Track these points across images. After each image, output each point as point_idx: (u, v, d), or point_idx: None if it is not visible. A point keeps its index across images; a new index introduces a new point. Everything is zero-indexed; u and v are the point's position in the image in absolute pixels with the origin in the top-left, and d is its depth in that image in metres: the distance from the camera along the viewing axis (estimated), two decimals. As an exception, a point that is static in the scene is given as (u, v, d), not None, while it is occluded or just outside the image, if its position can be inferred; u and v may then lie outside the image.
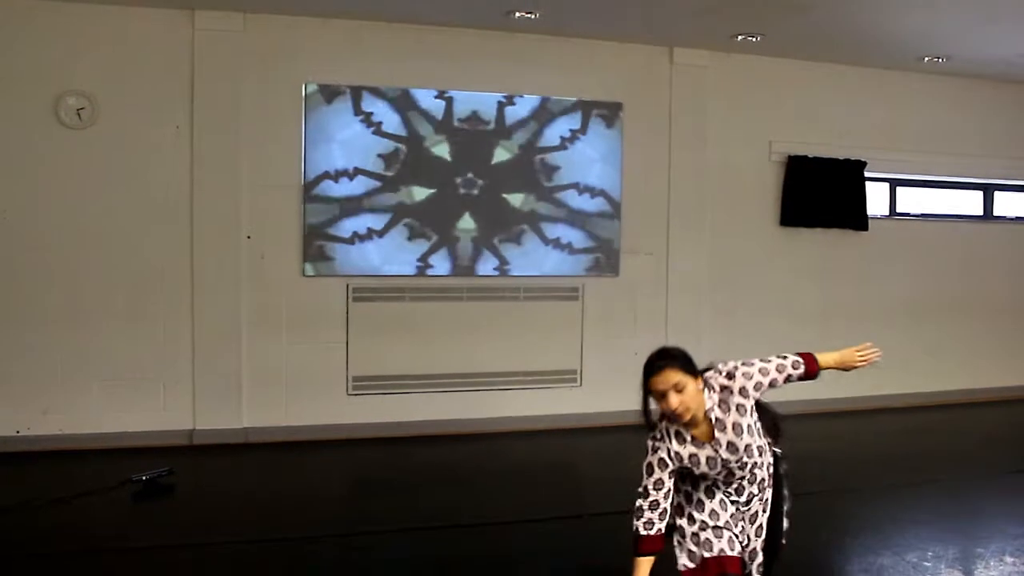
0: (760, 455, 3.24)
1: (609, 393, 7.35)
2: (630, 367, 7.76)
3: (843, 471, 6.30)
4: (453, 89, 7.08)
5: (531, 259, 7.35)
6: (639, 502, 3.18)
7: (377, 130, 6.92)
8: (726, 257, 7.92)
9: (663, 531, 3.20)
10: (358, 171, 6.89)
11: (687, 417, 3.08)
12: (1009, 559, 4.67)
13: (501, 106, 7.21)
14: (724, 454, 3.16)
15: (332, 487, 6.02)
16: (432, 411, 7.14)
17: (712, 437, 3.14)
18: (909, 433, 7.61)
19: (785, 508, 3.44)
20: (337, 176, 6.85)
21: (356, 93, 6.86)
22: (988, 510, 5.60)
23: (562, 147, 7.36)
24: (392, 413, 7.06)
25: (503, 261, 7.27)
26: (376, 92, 6.90)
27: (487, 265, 7.23)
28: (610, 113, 7.47)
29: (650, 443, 3.22)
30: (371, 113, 6.90)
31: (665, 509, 3.18)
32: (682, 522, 3.33)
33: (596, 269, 7.53)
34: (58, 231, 6.39)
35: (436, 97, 7.04)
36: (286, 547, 4.68)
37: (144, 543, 4.66)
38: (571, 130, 7.38)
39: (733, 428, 3.14)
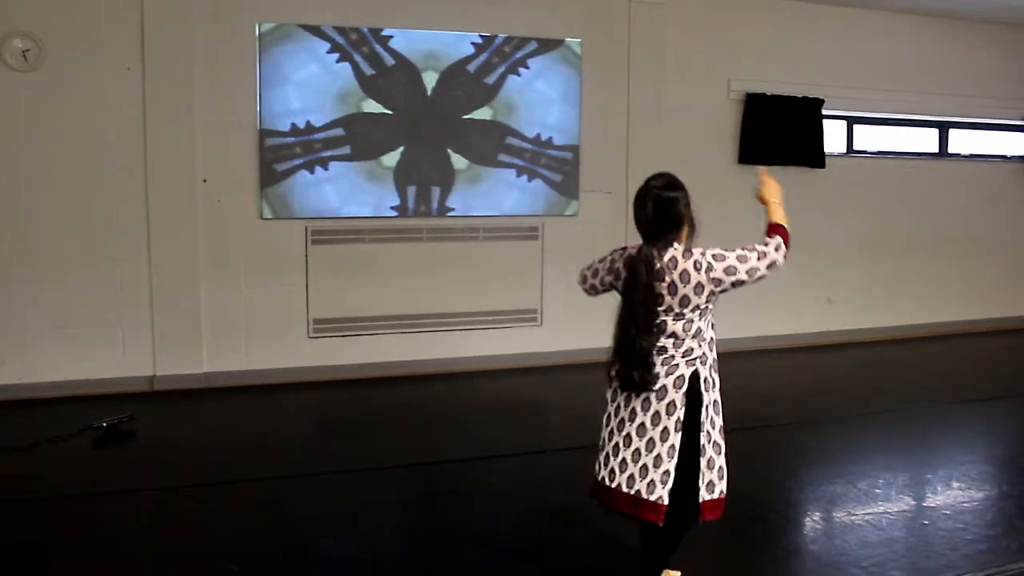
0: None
1: (569, 332, 7.41)
2: (589, 306, 7.85)
3: (799, 405, 6.44)
4: (409, 27, 6.98)
5: (490, 199, 7.33)
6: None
7: (332, 70, 6.82)
8: (685, 195, 7.93)
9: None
10: (315, 112, 6.80)
11: None
12: (956, 484, 4.83)
13: (458, 44, 7.12)
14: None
15: (295, 430, 6.04)
16: (393, 352, 7.15)
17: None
18: (863, 367, 7.77)
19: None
20: (294, 117, 6.75)
21: (310, 32, 6.73)
22: (936, 439, 5.78)
23: (520, 86, 7.31)
24: (353, 355, 7.07)
25: (463, 201, 7.24)
26: (331, 31, 6.78)
27: (446, 205, 7.20)
28: (568, 52, 7.42)
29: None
30: (326, 52, 6.79)
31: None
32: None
33: (556, 208, 7.53)
34: (6, 177, 6.23)
35: (392, 35, 6.94)
36: (250, 490, 4.71)
37: (107, 488, 4.66)
38: (529, 69, 7.32)
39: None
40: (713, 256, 3.21)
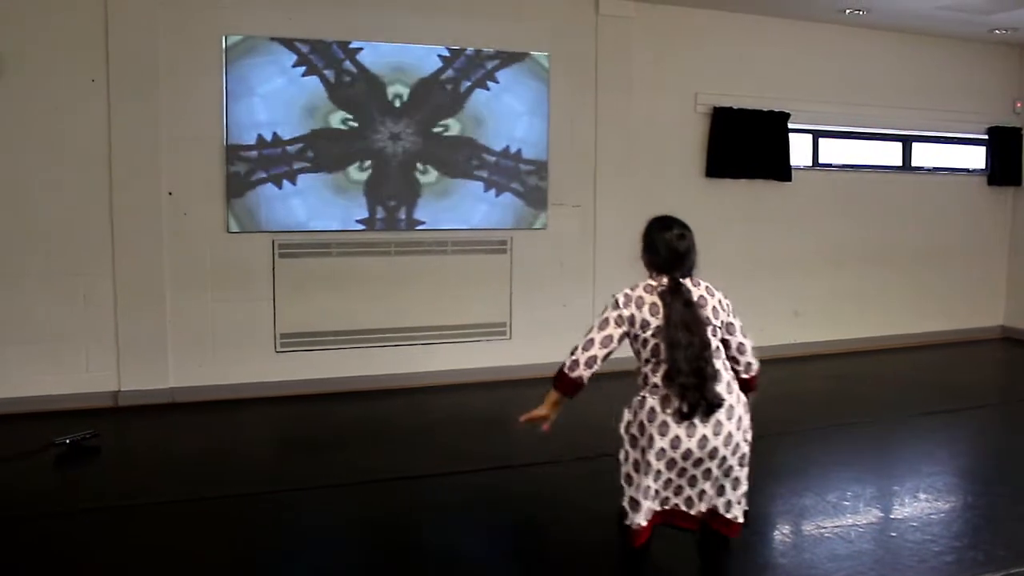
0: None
1: (538, 345, 7.40)
2: (559, 319, 7.90)
3: (766, 418, 6.41)
4: (377, 41, 6.96)
5: (459, 212, 7.31)
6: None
7: (299, 83, 6.79)
8: (653, 209, 7.78)
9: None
10: (282, 124, 6.75)
11: None
12: (922, 496, 4.88)
13: (426, 57, 7.11)
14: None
15: (262, 445, 5.99)
16: (361, 367, 7.11)
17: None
18: (830, 379, 7.83)
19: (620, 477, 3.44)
20: (260, 130, 6.71)
21: (277, 45, 6.70)
22: (903, 451, 5.83)
23: (488, 99, 7.31)
24: (321, 369, 7.01)
25: (431, 214, 7.22)
26: (298, 44, 6.75)
27: (414, 219, 7.18)
28: (536, 65, 7.43)
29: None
30: (293, 65, 6.75)
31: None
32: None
33: (524, 221, 7.53)
34: (-32, 189, 6.16)
35: (360, 48, 6.92)
36: (215, 506, 4.65)
37: (70, 507, 4.58)
38: (498, 82, 7.33)
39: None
40: (720, 293, 3.50)
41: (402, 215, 7.15)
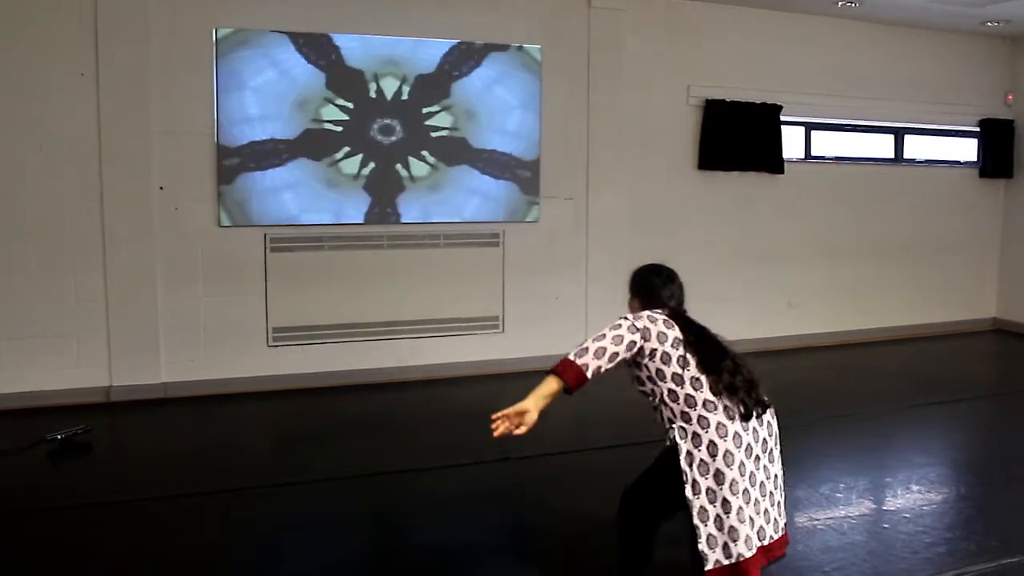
0: (657, 408, 3.16)
1: (531, 338, 7.41)
2: (551, 312, 7.89)
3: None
4: (368, 33, 6.94)
5: (451, 206, 7.30)
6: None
7: (291, 76, 6.76)
8: (645, 201, 7.98)
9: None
10: (273, 118, 6.73)
11: None
12: (915, 487, 4.89)
13: (418, 50, 7.09)
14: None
15: (255, 440, 5.97)
16: (354, 360, 7.10)
17: None
18: (823, 371, 7.85)
19: (694, 518, 3.00)
20: (251, 123, 6.68)
21: (268, 37, 6.67)
22: (895, 442, 5.85)
23: (480, 92, 7.29)
24: (314, 363, 7.00)
25: (423, 208, 7.21)
26: (289, 36, 6.72)
27: (407, 212, 7.16)
28: (528, 57, 7.42)
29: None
30: (284, 58, 6.73)
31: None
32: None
33: (517, 214, 7.51)
34: (-42, 184, 6.13)
35: (351, 42, 6.89)
36: (210, 502, 4.65)
37: (62, 503, 4.57)
38: (489, 75, 7.31)
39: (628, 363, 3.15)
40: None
41: (394, 208, 7.13)
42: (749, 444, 3.04)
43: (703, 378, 3.07)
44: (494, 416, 3.00)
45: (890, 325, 9.21)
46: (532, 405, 2.99)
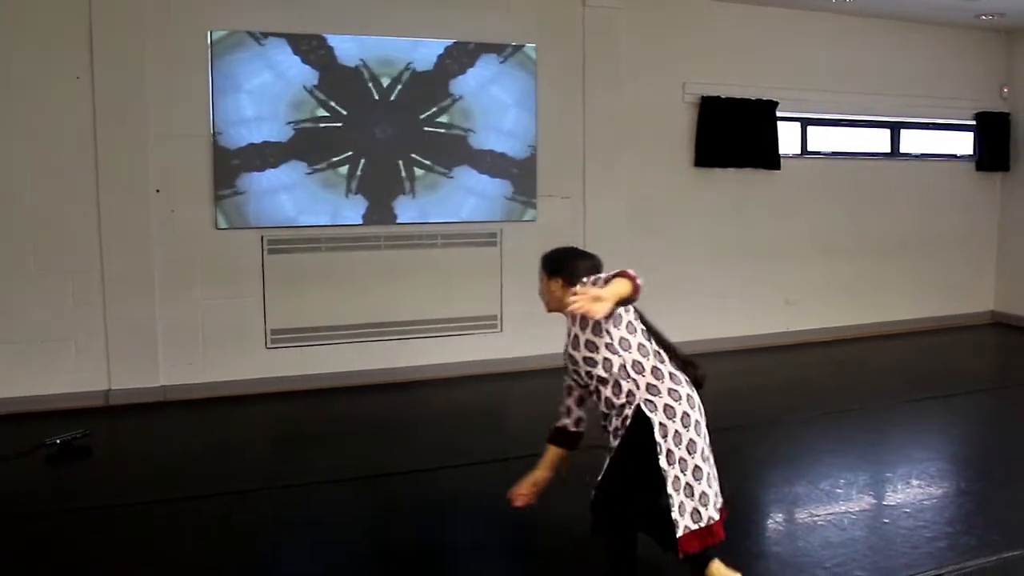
0: (610, 382, 3.23)
1: (529, 338, 7.39)
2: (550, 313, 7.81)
3: (758, 406, 6.48)
4: (363, 34, 6.93)
5: (448, 205, 7.29)
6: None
7: (286, 77, 6.75)
8: (642, 199, 7.98)
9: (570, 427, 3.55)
10: (269, 120, 6.72)
11: (546, 308, 3.57)
12: (915, 482, 4.89)
13: (413, 50, 7.08)
14: (571, 350, 3.32)
15: (253, 442, 5.97)
16: (353, 361, 7.09)
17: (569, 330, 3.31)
18: (822, 367, 7.86)
19: (668, 487, 3.13)
20: (247, 125, 6.67)
21: (263, 40, 6.66)
22: (895, 437, 5.85)
23: (476, 92, 7.28)
24: (312, 365, 6.99)
25: (420, 208, 7.20)
26: (284, 38, 6.71)
27: (404, 212, 7.16)
28: (524, 57, 7.41)
29: None
30: (279, 60, 6.72)
31: (568, 406, 3.56)
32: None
33: (514, 214, 7.51)
34: (-46, 188, 6.12)
35: (346, 42, 6.88)
36: (210, 504, 4.64)
37: (61, 507, 4.56)
38: (485, 75, 7.30)
39: (580, 328, 3.25)
40: None
41: (391, 209, 7.12)
42: (702, 410, 3.27)
43: (663, 352, 3.28)
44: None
45: (888, 320, 9.21)
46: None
